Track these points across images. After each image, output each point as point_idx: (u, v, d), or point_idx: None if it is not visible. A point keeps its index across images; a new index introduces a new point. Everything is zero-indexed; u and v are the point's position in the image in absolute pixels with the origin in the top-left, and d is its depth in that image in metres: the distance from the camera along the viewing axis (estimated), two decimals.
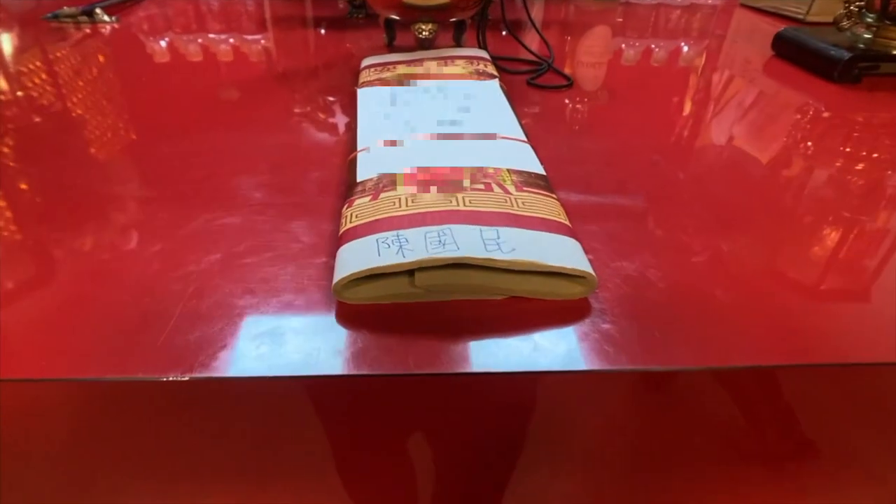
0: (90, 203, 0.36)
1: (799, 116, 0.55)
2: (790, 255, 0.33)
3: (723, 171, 0.43)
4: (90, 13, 0.77)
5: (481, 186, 0.31)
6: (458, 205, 0.29)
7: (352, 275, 0.25)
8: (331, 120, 0.49)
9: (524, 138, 0.38)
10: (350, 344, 0.25)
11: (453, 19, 0.61)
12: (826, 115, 0.55)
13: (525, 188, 0.31)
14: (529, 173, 0.33)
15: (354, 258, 0.26)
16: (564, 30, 0.86)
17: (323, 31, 0.80)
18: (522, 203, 0.30)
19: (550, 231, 0.28)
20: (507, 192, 0.31)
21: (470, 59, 0.54)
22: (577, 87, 0.57)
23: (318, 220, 0.33)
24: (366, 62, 0.55)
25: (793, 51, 0.69)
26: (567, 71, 0.63)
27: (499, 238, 0.26)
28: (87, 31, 0.75)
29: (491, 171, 0.33)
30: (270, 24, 0.87)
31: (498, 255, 0.25)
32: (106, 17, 0.77)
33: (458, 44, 0.68)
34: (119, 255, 0.31)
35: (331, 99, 0.54)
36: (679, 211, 0.36)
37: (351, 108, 0.46)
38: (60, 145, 0.44)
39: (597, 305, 0.27)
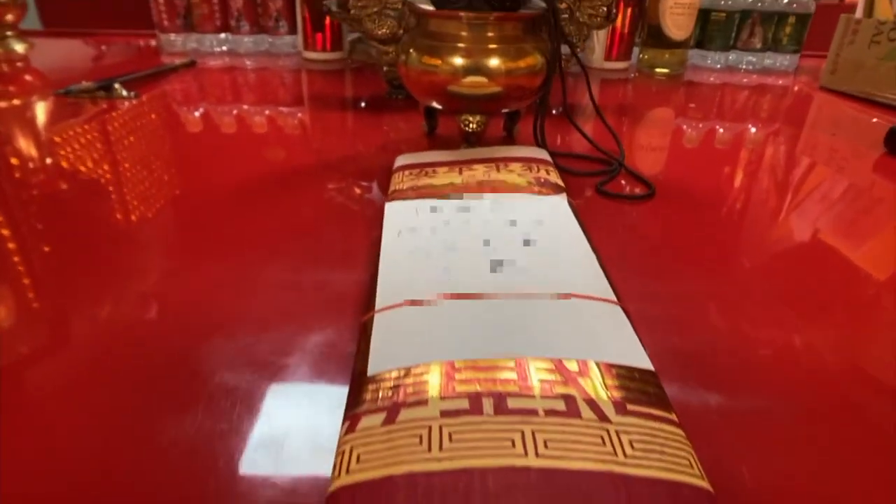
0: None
1: None
2: None
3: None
4: (108, 88, 0.71)
5: (561, 406, 0.20)
6: (524, 453, 0.18)
7: None
8: (349, 237, 0.39)
9: (612, 296, 0.27)
10: None
11: (506, 110, 0.52)
12: None
13: (630, 407, 0.20)
14: (631, 371, 0.22)
15: None
16: (625, 114, 0.76)
17: (361, 109, 0.72)
18: (631, 447, 0.18)
19: None
20: (602, 417, 0.19)
21: (527, 162, 0.43)
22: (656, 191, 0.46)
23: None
24: (400, 161, 0.45)
25: None
26: (640, 170, 0.52)
27: None
28: (104, 106, 0.68)
29: (573, 368, 0.21)
30: (307, 99, 0.80)
31: None
32: (124, 93, 0.71)
33: (510, 135, 0.58)
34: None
35: (357, 191, 0.44)
36: None
37: (377, 220, 0.36)
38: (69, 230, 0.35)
39: None
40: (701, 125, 0.74)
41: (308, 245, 0.37)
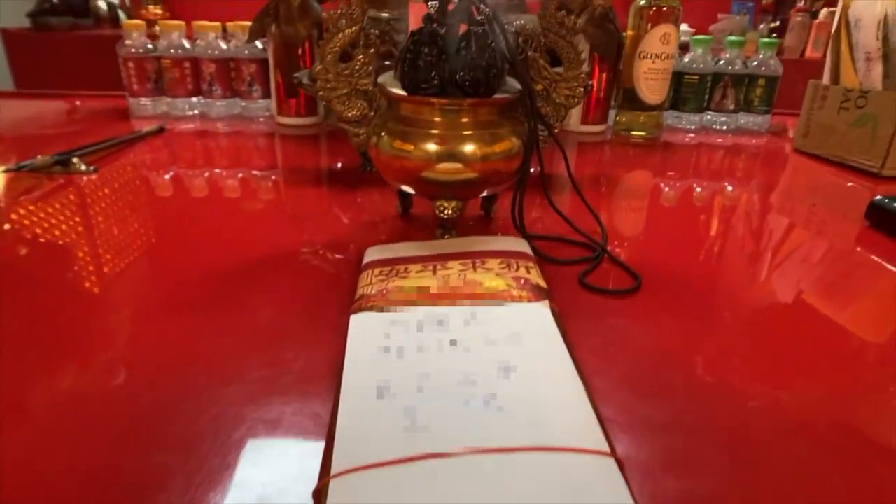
0: None
1: None
2: None
3: None
4: (66, 162, 0.67)
5: None
6: None
7: None
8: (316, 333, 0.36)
9: (604, 444, 0.24)
10: None
11: (484, 194, 0.50)
12: None
13: None
14: None
15: None
16: (604, 182, 0.75)
17: (334, 181, 0.70)
18: None
19: None
20: None
21: (506, 257, 0.41)
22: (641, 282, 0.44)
23: None
24: (369, 255, 0.43)
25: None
26: (623, 250, 0.50)
27: None
28: (61, 181, 0.65)
29: None
30: (280, 167, 0.77)
31: None
32: (83, 167, 0.68)
33: (487, 215, 0.56)
34: None
35: (325, 293, 0.41)
36: None
37: (343, 329, 0.33)
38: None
39: None
40: (681, 194, 0.73)
41: (266, 366, 0.33)
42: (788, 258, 0.56)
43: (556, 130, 0.50)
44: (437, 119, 0.45)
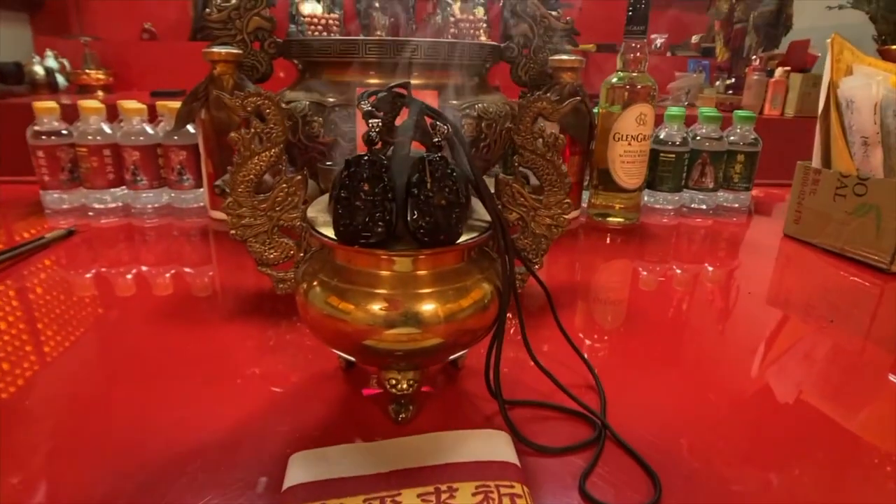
0: None
1: None
2: None
3: None
4: None
5: None
6: None
7: None
8: None
9: None
10: None
11: (451, 358, 0.39)
12: None
13: None
14: None
15: None
16: (586, 292, 0.65)
17: (265, 300, 0.58)
18: None
19: None
20: None
21: (483, 474, 0.29)
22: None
23: None
24: (293, 474, 0.31)
25: None
26: (625, 416, 0.39)
27: None
28: None
29: None
30: (215, 274, 0.65)
31: None
32: None
33: (453, 365, 0.44)
34: None
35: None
36: None
37: None
38: None
39: None
40: (682, 313, 0.63)
41: None
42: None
43: (537, 267, 0.40)
44: (385, 274, 0.34)
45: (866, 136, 0.71)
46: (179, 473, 0.33)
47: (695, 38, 2.98)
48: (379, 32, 2.17)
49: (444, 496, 0.28)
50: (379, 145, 0.33)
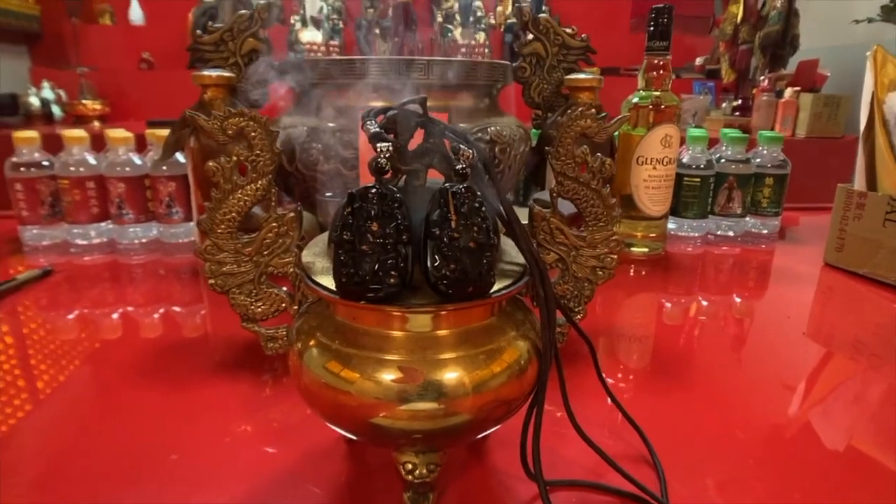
0: None
1: None
2: None
3: None
4: None
5: None
6: None
7: None
8: None
9: None
10: None
11: (478, 437, 0.31)
12: None
13: None
14: None
15: None
16: (622, 346, 0.58)
17: (250, 360, 0.51)
18: None
19: None
20: None
21: None
22: None
23: None
24: None
25: None
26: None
27: None
28: None
29: None
30: (206, 299, 0.58)
31: None
32: None
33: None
34: None
35: None
36: None
37: None
38: None
39: None
40: (726, 360, 0.56)
41: None
42: None
43: (580, 318, 0.33)
44: (398, 335, 0.27)
45: None
46: None
47: (699, 61, 2.95)
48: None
49: None
50: (389, 174, 0.27)
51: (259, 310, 0.32)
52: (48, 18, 2.60)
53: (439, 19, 2.65)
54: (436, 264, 0.25)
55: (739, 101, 2.70)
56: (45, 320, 0.58)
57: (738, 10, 2.67)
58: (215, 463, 0.35)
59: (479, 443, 0.37)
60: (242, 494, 0.32)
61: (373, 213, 0.25)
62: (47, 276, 0.68)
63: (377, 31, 2.22)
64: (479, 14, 2.60)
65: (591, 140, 0.31)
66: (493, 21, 2.75)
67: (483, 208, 0.26)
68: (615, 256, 0.32)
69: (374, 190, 0.25)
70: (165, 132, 0.77)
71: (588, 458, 0.34)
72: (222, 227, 0.30)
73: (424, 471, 0.29)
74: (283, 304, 0.32)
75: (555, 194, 0.32)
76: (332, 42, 2.22)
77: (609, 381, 0.44)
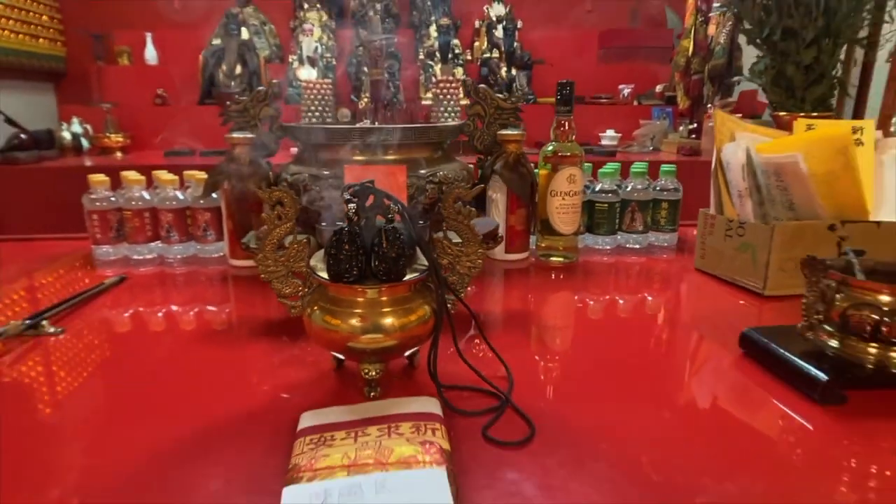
0: None
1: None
2: None
3: None
4: (36, 325, 0.74)
5: None
6: None
7: None
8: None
9: None
10: None
11: (406, 354, 0.58)
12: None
13: None
14: None
15: None
16: (522, 317, 0.85)
17: (277, 332, 0.78)
18: None
19: None
20: None
21: (418, 420, 0.49)
22: (540, 432, 0.52)
23: None
24: (304, 422, 0.50)
25: (761, 355, 0.67)
26: (528, 396, 0.59)
27: None
28: (31, 343, 0.71)
29: None
30: (233, 309, 0.85)
31: None
32: (51, 329, 0.74)
33: (410, 363, 0.64)
34: None
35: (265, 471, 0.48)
36: None
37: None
38: None
39: None
40: (594, 321, 0.83)
41: None
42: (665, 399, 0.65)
43: (462, 295, 0.60)
44: (359, 300, 0.54)
45: (740, 190, 0.92)
46: (225, 423, 0.53)
47: (659, 88, 3.25)
48: (365, 95, 2.42)
49: (392, 430, 0.48)
50: (356, 219, 0.54)
51: (287, 291, 0.59)
52: (73, 59, 2.90)
53: (421, 56, 2.95)
54: (376, 264, 0.53)
55: (694, 125, 2.99)
56: (122, 313, 0.85)
57: (689, 44, 2.98)
58: (250, 389, 0.62)
59: (410, 370, 0.64)
60: (276, 395, 0.59)
61: (346, 239, 0.52)
62: (123, 282, 0.95)
63: (365, 69, 2.52)
64: (456, 51, 2.90)
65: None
66: (469, 57, 3.05)
67: (401, 236, 0.54)
68: (481, 261, 0.60)
69: (346, 229, 0.53)
70: (203, 175, 1.05)
71: (468, 374, 0.61)
72: (269, 247, 0.57)
73: (374, 373, 0.56)
74: (300, 288, 0.59)
75: (445, 227, 0.59)
76: (325, 80, 2.52)
77: (509, 346, 0.71)
